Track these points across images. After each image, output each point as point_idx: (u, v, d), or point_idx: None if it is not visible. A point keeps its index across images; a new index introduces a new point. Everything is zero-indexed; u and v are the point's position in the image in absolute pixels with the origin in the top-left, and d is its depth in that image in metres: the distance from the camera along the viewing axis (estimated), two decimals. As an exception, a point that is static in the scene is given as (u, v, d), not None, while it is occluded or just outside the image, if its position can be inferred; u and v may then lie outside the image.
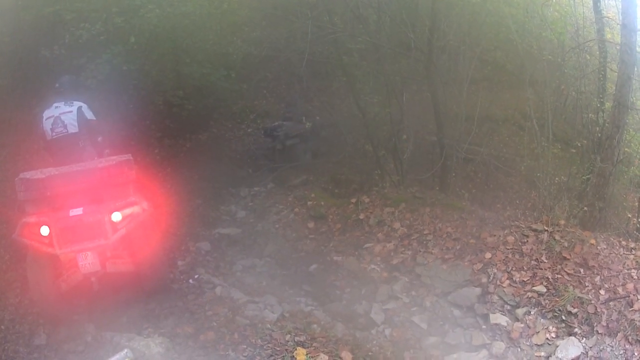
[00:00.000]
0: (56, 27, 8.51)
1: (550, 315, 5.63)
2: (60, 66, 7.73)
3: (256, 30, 10.56)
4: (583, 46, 9.37)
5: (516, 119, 11.55)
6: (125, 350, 3.17)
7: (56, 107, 5.23)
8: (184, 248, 7.64)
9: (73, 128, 5.16)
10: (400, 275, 7.11)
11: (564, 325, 5.50)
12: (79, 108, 5.23)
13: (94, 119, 5.34)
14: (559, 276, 5.92)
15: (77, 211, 4.34)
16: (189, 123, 9.73)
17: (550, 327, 5.54)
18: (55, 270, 4.59)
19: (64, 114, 5.18)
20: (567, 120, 11.61)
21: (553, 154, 8.09)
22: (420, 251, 7.29)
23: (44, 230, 4.27)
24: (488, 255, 6.53)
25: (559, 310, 5.59)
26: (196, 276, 6.76)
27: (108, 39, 7.72)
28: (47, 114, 5.21)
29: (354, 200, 8.31)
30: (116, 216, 4.43)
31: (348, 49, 8.58)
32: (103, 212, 4.41)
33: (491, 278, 6.26)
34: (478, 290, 6.25)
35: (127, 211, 4.54)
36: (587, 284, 5.76)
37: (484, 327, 5.91)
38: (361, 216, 7.97)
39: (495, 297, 6.06)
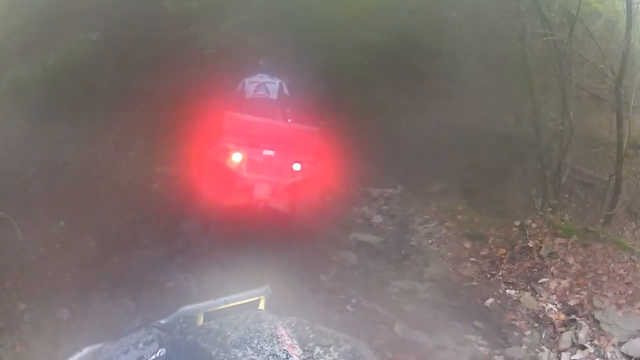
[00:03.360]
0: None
1: None
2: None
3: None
4: None
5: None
6: (266, 287, 3.14)
7: (261, 76, 6.61)
8: (325, 258, 6.94)
9: (273, 95, 6.51)
10: (579, 320, 6.36)
11: None
12: (280, 83, 6.63)
13: (288, 94, 6.68)
14: None
15: (270, 152, 5.57)
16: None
17: None
18: (229, 188, 5.70)
19: (268, 83, 6.56)
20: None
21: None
22: (595, 293, 6.56)
23: (237, 157, 5.47)
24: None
25: None
26: (354, 301, 6.08)
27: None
28: (250, 80, 6.60)
29: (517, 224, 7.49)
30: (297, 166, 5.64)
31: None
32: (289, 159, 5.63)
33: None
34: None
35: (306, 166, 5.76)
36: None
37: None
38: (530, 244, 7.16)
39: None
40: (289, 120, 6.39)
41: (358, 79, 9.34)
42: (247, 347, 2.64)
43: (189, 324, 2.93)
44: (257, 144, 5.64)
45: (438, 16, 9.40)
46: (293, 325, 2.96)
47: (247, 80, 6.53)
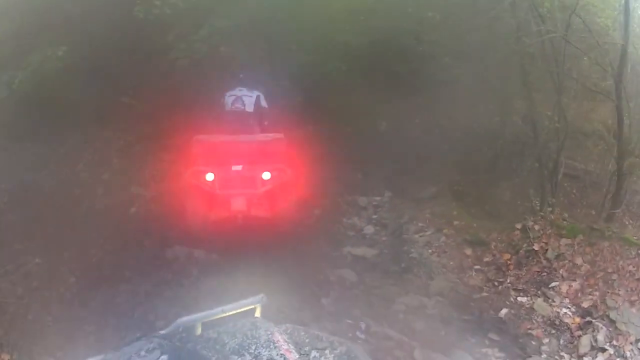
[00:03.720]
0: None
1: None
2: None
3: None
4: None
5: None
6: (261, 295, 3.19)
7: (240, 90, 6.73)
8: (322, 278, 6.39)
9: (249, 108, 6.66)
10: (594, 321, 6.01)
11: None
12: (258, 96, 6.74)
13: (266, 107, 6.80)
14: None
15: (238, 167, 5.83)
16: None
17: None
18: (209, 205, 5.99)
19: (245, 96, 6.69)
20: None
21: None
22: (607, 292, 6.29)
23: (209, 177, 5.74)
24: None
25: None
26: (363, 326, 5.53)
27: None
28: (230, 93, 6.73)
29: (519, 226, 7.09)
30: (266, 175, 5.83)
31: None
32: (257, 170, 5.85)
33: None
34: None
35: (274, 173, 5.93)
36: None
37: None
38: (535, 247, 6.76)
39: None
40: (261, 132, 6.61)
41: (337, 84, 8.91)
42: (245, 353, 2.70)
43: (188, 334, 2.96)
44: (225, 162, 5.92)
45: (419, 17, 9.02)
46: (289, 331, 2.99)
47: (227, 93, 6.76)
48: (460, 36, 8.54)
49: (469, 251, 7.01)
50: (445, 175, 8.77)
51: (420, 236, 7.36)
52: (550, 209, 7.35)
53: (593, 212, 8.00)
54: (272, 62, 8.18)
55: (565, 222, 7.19)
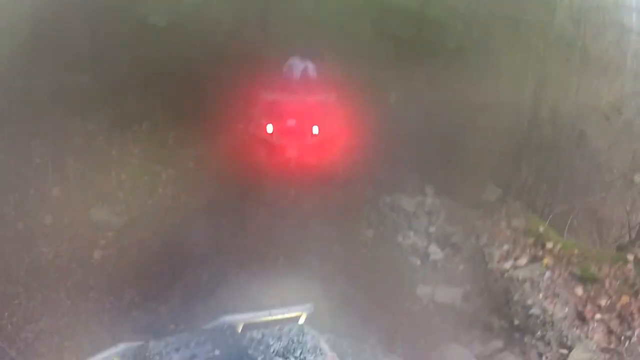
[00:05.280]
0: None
1: None
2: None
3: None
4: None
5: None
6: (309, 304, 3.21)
7: (292, 59, 7.27)
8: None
9: (297, 75, 7.22)
10: None
11: None
12: (306, 66, 7.26)
13: (314, 74, 7.28)
14: None
15: (292, 122, 6.65)
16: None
17: None
18: (267, 151, 6.78)
19: (296, 65, 7.24)
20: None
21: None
22: None
23: (269, 128, 6.63)
24: None
25: None
26: None
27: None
28: (287, 62, 7.29)
29: (631, 258, 5.74)
30: (315, 129, 6.64)
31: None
32: (308, 125, 6.65)
33: None
34: None
35: (323, 128, 6.69)
36: None
37: None
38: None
39: None
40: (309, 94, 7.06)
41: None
42: (291, 357, 2.78)
43: (232, 332, 2.98)
44: (283, 116, 6.57)
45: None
46: (331, 340, 3.10)
47: (287, 62, 7.25)
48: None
49: (579, 290, 5.58)
50: (502, 170, 7.16)
51: (514, 267, 5.78)
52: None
53: None
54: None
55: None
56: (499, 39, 7.43)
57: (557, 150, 7.37)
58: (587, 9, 7.16)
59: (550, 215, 6.43)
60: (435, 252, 6.10)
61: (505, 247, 6.04)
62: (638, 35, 7.14)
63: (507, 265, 5.85)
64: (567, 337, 5.04)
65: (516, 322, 5.22)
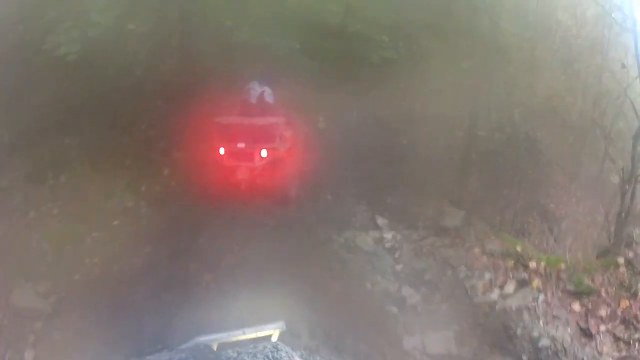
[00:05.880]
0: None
1: None
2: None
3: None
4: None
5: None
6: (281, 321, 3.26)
7: (252, 84, 7.17)
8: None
9: (253, 99, 7.10)
10: None
11: None
12: (263, 91, 7.09)
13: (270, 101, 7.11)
14: None
15: (242, 145, 6.58)
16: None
17: None
18: (221, 173, 6.70)
19: (253, 90, 7.12)
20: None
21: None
22: None
23: (221, 151, 6.60)
24: None
25: None
26: None
27: None
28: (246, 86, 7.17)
29: (621, 261, 5.23)
30: (264, 152, 6.58)
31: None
32: (256, 148, 6.56)
33: None
34: None
35: (271, 151, 6.59)
36: None
37: None
38: (656, 286, 5.01)
39: None
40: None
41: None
42: None
43: (208, 351, 2.95)
44: (234, 140, 6.60)
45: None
46: (304, 356, 2.97)
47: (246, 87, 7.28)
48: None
49: (577, 306, 4.96)
50: (452, 183, 6.57)
51: (502, 297, 5.07)
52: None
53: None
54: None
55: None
56: (428, 49, 7.15)
57: (507, 156, 7.01)
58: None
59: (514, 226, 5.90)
60: (411, 295, 5.28)
61: (487, 275, 5.33)
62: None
63: (494, 295, 5.14)
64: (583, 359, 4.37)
65: (524, 358, 4.44)
